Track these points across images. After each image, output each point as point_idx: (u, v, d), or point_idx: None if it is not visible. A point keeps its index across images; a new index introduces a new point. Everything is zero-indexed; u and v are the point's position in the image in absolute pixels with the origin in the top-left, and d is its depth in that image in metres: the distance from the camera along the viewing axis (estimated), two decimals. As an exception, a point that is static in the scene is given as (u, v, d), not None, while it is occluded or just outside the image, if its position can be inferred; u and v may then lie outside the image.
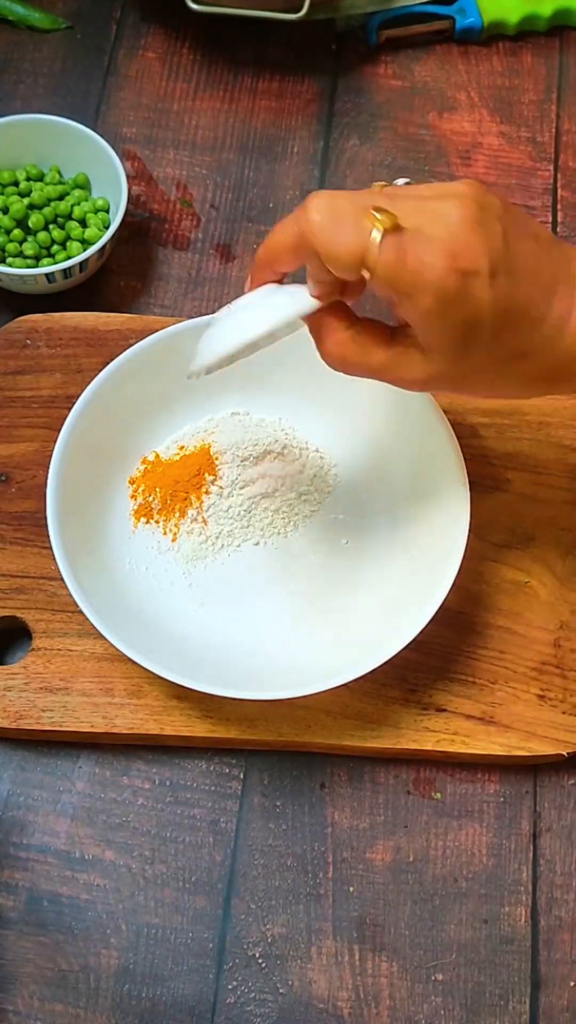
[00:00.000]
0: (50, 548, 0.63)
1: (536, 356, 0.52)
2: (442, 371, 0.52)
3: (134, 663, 0.61)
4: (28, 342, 0.74)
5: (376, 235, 0.48)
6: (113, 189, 0.77)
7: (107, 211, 0.78)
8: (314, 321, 0.54)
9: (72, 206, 0.77)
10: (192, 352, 0.70)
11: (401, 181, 0.54)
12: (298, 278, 0.54)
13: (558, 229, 0.83)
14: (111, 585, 0.65)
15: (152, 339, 0.68)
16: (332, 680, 0.60)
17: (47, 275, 0.73)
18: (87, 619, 0.61)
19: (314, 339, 0.55)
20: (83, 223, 0.77)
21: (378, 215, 0.49)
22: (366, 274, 0.49)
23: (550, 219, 0.83)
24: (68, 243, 0.76)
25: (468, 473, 0.65)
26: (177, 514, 0.69)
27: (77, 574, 0.62)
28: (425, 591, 0.63)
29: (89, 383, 0.67)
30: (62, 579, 0.62)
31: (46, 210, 0.77)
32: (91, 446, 0.67)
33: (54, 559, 0.62)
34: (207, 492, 0.69)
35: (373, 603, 0.66)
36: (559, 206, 0.84)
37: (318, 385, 0.70)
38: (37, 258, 0.76)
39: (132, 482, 0.70)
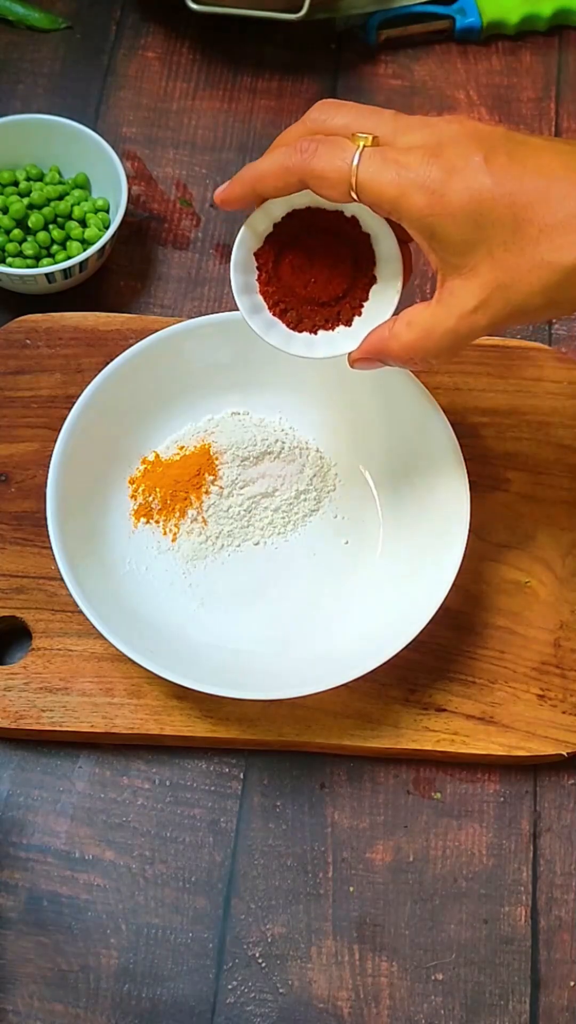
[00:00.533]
0: (50, 548, 0.63)
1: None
2: (488, 281, 0.50)
3: (134, 663, 0.61)
4: (28, 342, 0.74)
5: (356, 154, 0.50)
6: (113, 189, 0.77)
7: (107, 211, 0.78)
8: (370, 349, 0.56)
9: (72, 206, 0.77)
10: (192, 352, 0.70)
11: None
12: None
13: (558, 229, 0.83)
14: (111, 585, 0.65)
15: (152, 339, 0.68)
16: (332, 680, 0.60)
17: (47, 275, 0.73)
18: (87, 619, 0.61)
19: (379, 360, 0.56)
20: (83, 223, 0.77)
21: (361, 135, 0.51)
22: (355, 196, 0.51)
23: (550, 219, 0.83)
24: (68, 243, 0.76)
25: (468, 473, 0.65)
26: (177, 514, 0.69)
27: (77, 574, 0.62)
28: (425, 591, 0.63)
29: (89, 383, 0.67)
30: (62, 579, 0.62)
31: (46, 210, 0.77)
32: (91, 446, 0.67)
33: (54, 559, 0.62)
34: (207, 492, 0.69)
35: (373, 603, 0.66)
36: (559, 206, 0.84)
37: (318, 385, 0.71)
38: (37, 258, 0.76)
39: (132, 482, 0.70)
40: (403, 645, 0.61)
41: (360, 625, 0.66)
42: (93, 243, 0.75)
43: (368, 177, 0.50)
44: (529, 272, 0.50)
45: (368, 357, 0.56)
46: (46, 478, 0.64)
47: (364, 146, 0.50)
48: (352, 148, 0.50)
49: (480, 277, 0.50)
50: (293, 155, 0.52)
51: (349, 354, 0.57)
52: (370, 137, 0.51)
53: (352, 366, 0.57)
